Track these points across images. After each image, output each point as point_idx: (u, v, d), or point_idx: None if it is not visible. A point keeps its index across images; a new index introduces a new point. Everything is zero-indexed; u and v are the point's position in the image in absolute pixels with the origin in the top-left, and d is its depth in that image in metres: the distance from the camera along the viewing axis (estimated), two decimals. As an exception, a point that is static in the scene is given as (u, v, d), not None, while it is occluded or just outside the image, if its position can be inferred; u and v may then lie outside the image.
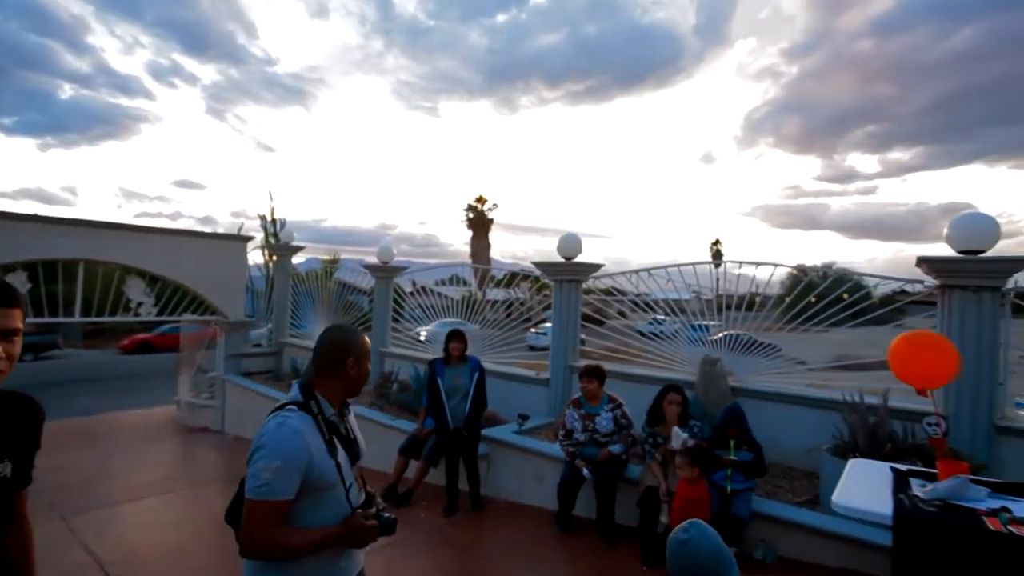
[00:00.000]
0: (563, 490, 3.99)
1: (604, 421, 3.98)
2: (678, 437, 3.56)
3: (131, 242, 7.36)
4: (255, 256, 10.07)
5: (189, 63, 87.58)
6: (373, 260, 8.02)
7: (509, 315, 6.89)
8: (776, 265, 4.95)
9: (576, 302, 5.65)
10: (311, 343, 8.85)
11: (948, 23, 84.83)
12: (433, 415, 4.62)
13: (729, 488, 3.46)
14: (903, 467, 2.64)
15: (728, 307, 5.14)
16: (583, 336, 6.13)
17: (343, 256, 14.33)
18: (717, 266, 5.51)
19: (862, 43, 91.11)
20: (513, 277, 8.06)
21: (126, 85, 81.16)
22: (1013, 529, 1.95)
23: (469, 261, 30.37)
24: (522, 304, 6.96)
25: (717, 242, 50.13)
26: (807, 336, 5.25)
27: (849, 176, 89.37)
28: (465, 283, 11.63)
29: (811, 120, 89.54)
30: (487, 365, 5.20)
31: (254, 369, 8.92)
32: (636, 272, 5.61)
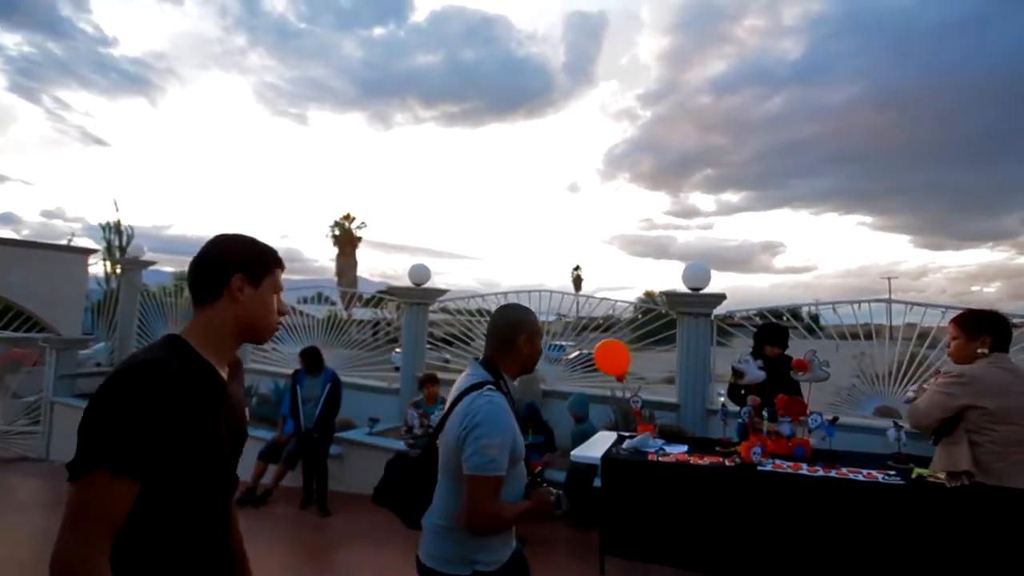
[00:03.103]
0: (404, 475, 4.86)
1: (436, 418, 4.92)
2: None
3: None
4: (95, 268, 9.59)
5: (-14, 24, 72.71)
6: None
7: (375, 335, 7.22)
8: (627, 303, 6.10)
9: (423, 322, 6.60)
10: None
11: (765, 89, 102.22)
12: (292, 420, 5.22)
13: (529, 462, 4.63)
14: (626, 434, 3.96)
15: (585, 328, 6.24)
16: (448, 356, 6.93)
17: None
18: (577, 289, 6.67)
19: (702, 98, 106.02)
20: (381, 298, 8.44)
21: None
22: (661, 459, 3.26)
23: (334, 279, 29.87)
24: (388, 324, 7.22)
25: (578, 268, 54.49)
26: (652, 355, 6.15)
27: (692, 212, 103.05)
28: (331, 302, 11.86)
29: (661, 160, 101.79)
30: (348, 379, 5.84)
31: (91, 390, 8.46)
32: (472, 296, 6.73)
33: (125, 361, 1.04)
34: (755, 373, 3.31)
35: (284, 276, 1.27)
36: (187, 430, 1.02)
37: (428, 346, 6.72)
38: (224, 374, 1.17)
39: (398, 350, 7.91)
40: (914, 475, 2.89)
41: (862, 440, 3.88)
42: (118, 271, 9.28)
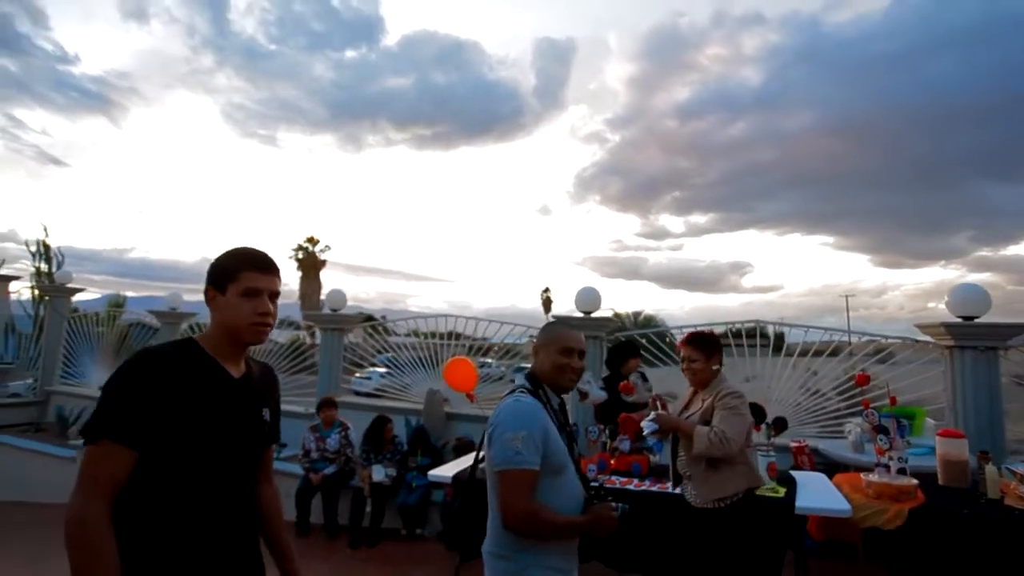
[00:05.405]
0: (298, 498, 4.94)
1: (332, 441, 5.07)
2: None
3: None
4: (24, 293, 9.44)
5: (-66, 38, 71.27)
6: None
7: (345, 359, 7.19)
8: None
9: (339, 347, 6.72)
10: (87, 391, 8.49)
11: (728, 115, 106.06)
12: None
13: (414, 484, 4.78)
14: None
15: (507, 353, 6.40)
16: (408, 380, 6.88)
17: (161, 293, 13.47)
18: (547, 312, 6.82)
19: (668, 122, 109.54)
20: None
21: None
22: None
23: (298, 303, 29.55)
24: (353, 350, 7.05)
25: (547, 290, 54.75)
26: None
27: (662, 234, 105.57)
28: (297, 326, 11.70)
29: (630, 183, 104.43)
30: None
31: (9, 421, 8.25)
32: (381, 323, 6.88)
33: (137, 351, 1.27)
34: (597, 393, 3.54)
35: None
36: (180, 409, 1.19)
37: (389, 371, 6.80)
38: (235, 372, 1.34)
39: (358, 374, 7.68)
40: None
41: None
42: (46, 299, 9.14)
